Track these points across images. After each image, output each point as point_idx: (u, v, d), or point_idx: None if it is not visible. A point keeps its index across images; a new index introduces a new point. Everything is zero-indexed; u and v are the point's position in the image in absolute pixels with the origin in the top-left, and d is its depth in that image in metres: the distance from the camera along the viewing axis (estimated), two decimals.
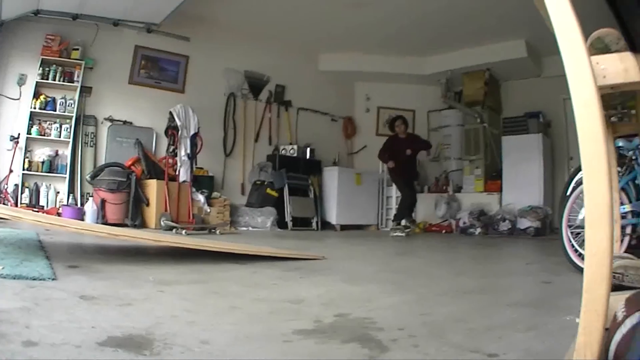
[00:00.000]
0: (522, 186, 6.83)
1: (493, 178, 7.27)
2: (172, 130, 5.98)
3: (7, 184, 5.89)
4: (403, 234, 5.98)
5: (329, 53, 7.72)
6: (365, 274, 2.63)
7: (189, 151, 5.96)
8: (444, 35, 7.02)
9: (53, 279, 1.88)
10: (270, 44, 7.20)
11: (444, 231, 7.11)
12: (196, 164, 6.09)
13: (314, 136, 7.48)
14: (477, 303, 1.90)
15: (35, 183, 6.13)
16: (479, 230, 6.66)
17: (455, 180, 7.53)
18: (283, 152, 7.14)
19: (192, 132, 6.00)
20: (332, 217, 6.99)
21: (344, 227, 7.03)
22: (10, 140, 6.01)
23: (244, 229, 6.29)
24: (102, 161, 6.24)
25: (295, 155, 7.06)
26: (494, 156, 7.40)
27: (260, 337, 1.27)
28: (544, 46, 6.81)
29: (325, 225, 6.98)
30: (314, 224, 6.85)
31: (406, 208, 6.34)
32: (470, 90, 7.56)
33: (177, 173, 5.98)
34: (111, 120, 6.41)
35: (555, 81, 6.36)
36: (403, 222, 6.19)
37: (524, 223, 6.41)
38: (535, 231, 6.27)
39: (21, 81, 6.36)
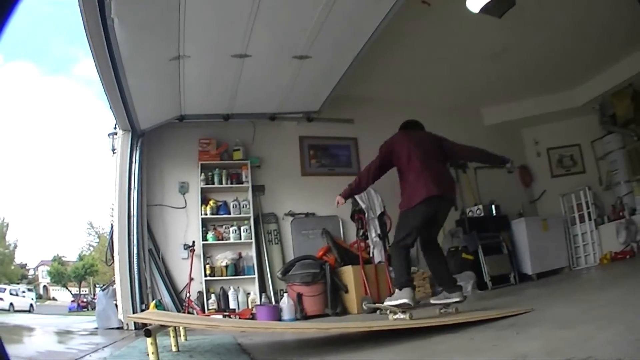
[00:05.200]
0: None
1: None
2: (358, 215, 5.96)
3: (189, 292, 5.93)
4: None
5: (489, 107, 7.79)
6: (574, 316, 2.61)
7: (379, 232, 5.91)
8: (582, 63, 6.84)
9: None
10: (432, 111, 7.14)
11: (627, 256, 6.78)
12: (388, 243, 5.95)
13: (495, 192, 7.36)
14: None
15: (222, 287, 6.15)
16: None
17: (629, 203, 7.22)
18: (470, 214, 7.06)
19: (378, 212, 5.96)
20: (527, 268, 6.85)
21: (539, 275, 6.88)
22: (185, 248, 6.10)
23: None
24: (290, 256, 6.23)
25: (482, 214, 7.00)
26: None
27: None
28: None
29: (522, 277, 6.83)
30: (511, 279, 6.70)
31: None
32: (621, 110, 7.29)
33: (371, 255, 5.91)
34: (292, 214, 6.44)
35: None
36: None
37: None
38: None
39: (183, 189, 6.46)
